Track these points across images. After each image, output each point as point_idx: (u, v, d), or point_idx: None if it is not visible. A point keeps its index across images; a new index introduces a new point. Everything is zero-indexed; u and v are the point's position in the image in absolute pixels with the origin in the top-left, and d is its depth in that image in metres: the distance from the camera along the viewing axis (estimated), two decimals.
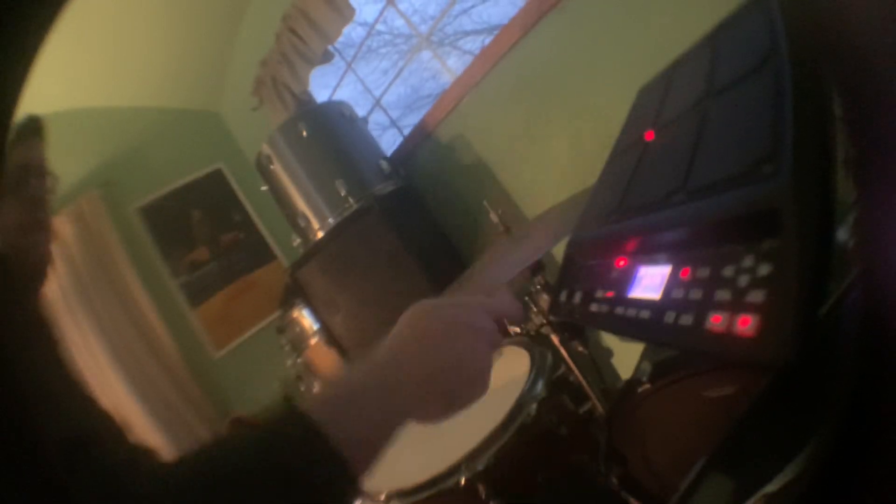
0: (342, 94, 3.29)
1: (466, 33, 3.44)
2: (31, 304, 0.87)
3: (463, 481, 1.04)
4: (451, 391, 0.60)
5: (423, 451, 1.25)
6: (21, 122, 0.93)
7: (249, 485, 0.49)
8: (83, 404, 0.67)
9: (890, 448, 0.34)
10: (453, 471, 1.07)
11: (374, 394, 0.57)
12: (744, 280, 0.45)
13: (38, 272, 0.90)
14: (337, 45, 2.91)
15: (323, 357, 2.63)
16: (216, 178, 3.75)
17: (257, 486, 0.49)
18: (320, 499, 0.52)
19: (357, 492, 0.54)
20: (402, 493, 1.10)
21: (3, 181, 0.86)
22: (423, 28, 2.75)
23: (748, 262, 0.45)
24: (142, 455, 0.59)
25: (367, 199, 2.29)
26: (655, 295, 0.57)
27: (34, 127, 0.95)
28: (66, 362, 0.81)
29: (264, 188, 2.63)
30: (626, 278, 0.65)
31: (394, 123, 3.04)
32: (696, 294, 0.51)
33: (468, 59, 2.44)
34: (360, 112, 2.65)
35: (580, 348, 1.27)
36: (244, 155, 3.79)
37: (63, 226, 3.08)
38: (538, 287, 1.37)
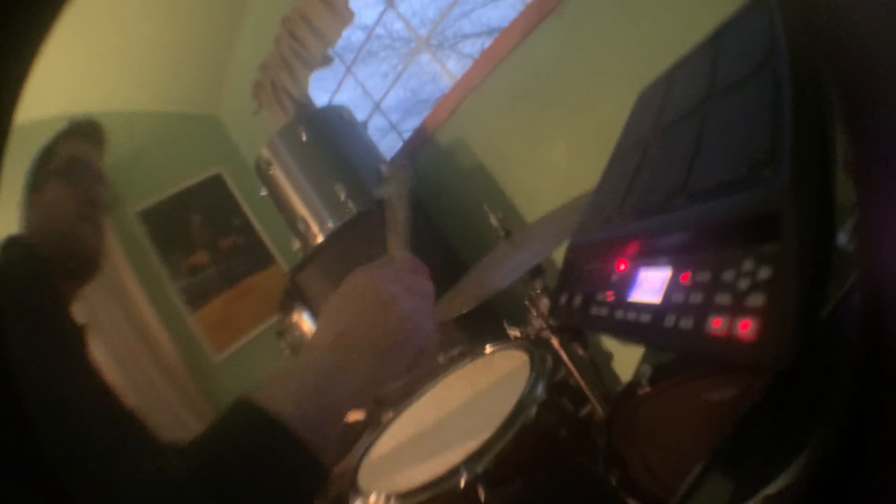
0: (342, 98, 3.30)
1: (466, 36, 3.44)
2: (67, 301, 0.86)
3: (463, 483, 1.04)
4: (400, 350, 0.61)
5: (422, 452, 1.25)
6: (80, 121, 0.93)
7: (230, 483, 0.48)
8: (93, 412, 0.66)
9: (890, 450, 0.34)
10: (453, 473, 1.07)
11: (327, 378, 0.56)
12: (744, 283, 0.45)
13: (84, 267, 0.89)
14: (336, 48, 2.91)
15: None
16: (216, 183, 3.74)
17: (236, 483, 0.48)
18: (293, 488, 0.51)
19: (325, 477, 0.54)
20: (402, 495, 1.10)
21: (46, 169, 0.86)
22: (423, 31, 2.75)
23: (748, 265, 0.45)
24: (148, 461, 0.58)
25: (367, 203, 2.29)
26: (656, 298, 0.57)
27: (94, 133, 0.95)
28: (85, 367, 0.80)
29: (264, 192, 2.64)
30: (627, 282, 0.65)
31: (393, 127, 3.04)
32: (696, 297, 0.51)
33: (468, 62, 2.44)
34: (360, 116, 2.65)
35: (580, 351, 1.27)
36: (244, 159, 3.79)
37: None
38: (538, 291, 1.37)
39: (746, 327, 0.42)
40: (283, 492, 0.51)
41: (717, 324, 0.46)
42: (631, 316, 0.61)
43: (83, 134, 0.93)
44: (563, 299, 0.80)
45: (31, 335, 0.65)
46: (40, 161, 0.86)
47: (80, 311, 0.83)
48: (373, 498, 1.16)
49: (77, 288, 0.89)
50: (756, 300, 0.43)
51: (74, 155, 0.88)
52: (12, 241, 0.82)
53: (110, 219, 0.93)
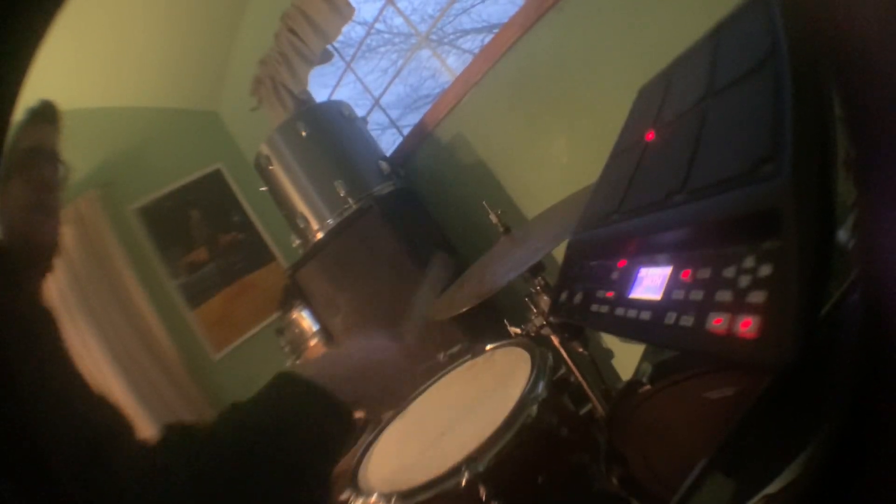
0: (341, 94, 3.29)
1: (466, 32, 3.44)
2: (32, 291, 0.87)
3: (464, 482, 1.04)
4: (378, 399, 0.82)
5: (423, 451, 1.25)
6: (35, 106, 0.93)
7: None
8: (87, 407, 0.67)
9: (890, 449, 0.34)
10: (454, 472, 1.06)
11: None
12: (745, 281, 0.45)
13: (42, 256, 0.89)
14: (336, 44, 2.91)
15: None
16: (215, 179, 3.74)
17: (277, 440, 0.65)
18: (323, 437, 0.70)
19: (351, 428, 0.73)
20: (403, 494, 1.10)
21: (10, 163, 0.86)
22: (423, 27, 2.75)
23: (749, 262, 0.45)
24: (146, 452, 0.60)
25: (367, 199, 2.29)
26: (656, 296, 0.57)
27: (48, 113, 0.95)
28: (68, 360, 0.80)
29: (263, 189, 2.63)
30: (627, 279, 0.65)
31: (393, 123, 3.04)
32: (696, 295, 0.50)
33: (468, 58, 2.44)
34: (360, 112, 2.65)
35: (580, 349, 1.27)
36: (243, 155, 3.79)
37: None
38: (538, 288, 1.37)
39: (747, 325, 0.42)
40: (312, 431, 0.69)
41: (717, 321, 0.46)
42: (631, 313, 0.61)
43: (37, 119, 0.93)
44: (563, 296, 0.80)
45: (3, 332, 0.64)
46: (6, 160, 0.86)
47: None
48: (373, 497, 1.16)
49: (41, 278, 0.90)
50: (757, 297, 0.43)
51: (30, 145, 0.88)
52: None
53: (65, 196, 0.93)
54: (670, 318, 0.53)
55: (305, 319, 2.74)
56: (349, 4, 2.57)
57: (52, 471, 0.42)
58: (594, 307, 0.71)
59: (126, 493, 0.50)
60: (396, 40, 3.43)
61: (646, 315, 0.58)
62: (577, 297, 0.76)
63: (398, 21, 2.98)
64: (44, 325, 0.82)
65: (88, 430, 0.58)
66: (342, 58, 3.09)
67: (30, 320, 0.80)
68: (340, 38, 2.78)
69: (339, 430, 0.72)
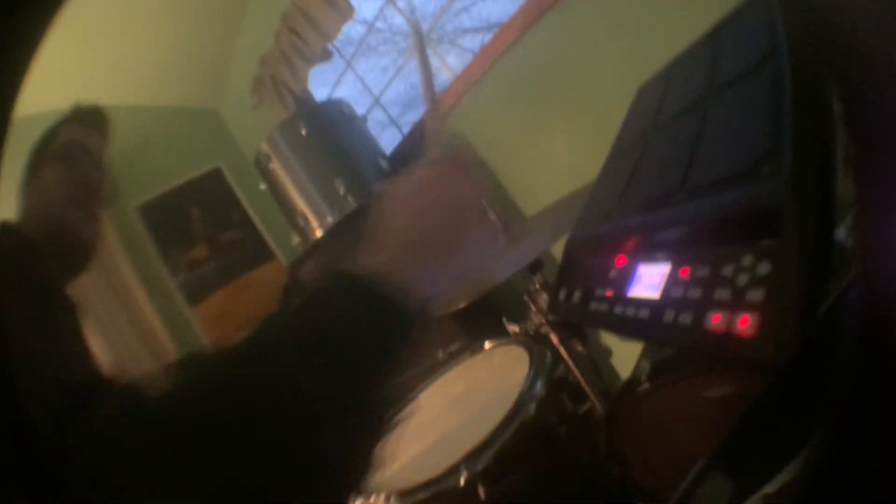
0: (341, 93, 3.28)
1: (466, 31, 3.43)
2: (56, 288, 0.81)
3: (462, 481, 1.04)
4: (455, 238, 0.61)
5: (422, 450, 1.25)
6: (82, 106, 0.89)
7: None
8: (68, 361, 0.62)
9: (889, 448, 0.34)
10: (453, 471, 1.06)
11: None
12: (743, 279, 0.45)
13: (75, 255, 0.84)
14: (336, 42, 2.91)
15: None
16: (215, 177, 3.74)
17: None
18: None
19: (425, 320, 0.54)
20: (402, 493, 1.10)
21: (44, 153, 0.82)
22: (423, 25, 2.74)
23: (747, 261, 0.45)
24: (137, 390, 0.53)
25: (367, 197, 2.29)
26: (655, 294, 0.57)
27: (95, 117, 0.91)
28: (55, 317, 0.75)
29: (263, 187, 2.63)
30: (626, 277, 0.65)
31: (393, 122, 3.03)
32: (695, 293, 0.50)
33: (468, 56, 2.43)
34: (360, 110, 2.64)
35: (579, 347, 1.27)
36: (243, 153, 3.78)
37: None
38: (537, 286, 1.36)
39: (745, 323, 0.42)
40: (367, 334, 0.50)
41: (716, 319, 0.46)
42: (630, 311, 0.61)
43: (85, 120, 0.90)
44: (562, 295, 0.80)
45: (16, 308, 0.62)
46: (40, 145, 0.83)
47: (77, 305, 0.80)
48: (372, 497, 1.15)
49: (69, 275, 0.85)
50: (755, 295, 0.43)
51: (74, 139, 0.85)
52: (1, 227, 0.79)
53: (109, 211, 0.89)
54: (669, 316, 0.53)
55: None
56: (349, 3, 2.56)
57: (32, 432, 0.40)
58: (593, 305, 0.71)
59: (116, 432, 0.45)
60: (397, 39, 3.42)
61: (644, 313, 0.58)
62: (576, 295, 0.76)
63: (398, 20, 2.97)
64: (65, 315, 0.78)
65: (77, 376, 0.53)
66: (342, 56, 3.09)
67: (51, 305, 0.75)
68: (341, 36, 2.78)
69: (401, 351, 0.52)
